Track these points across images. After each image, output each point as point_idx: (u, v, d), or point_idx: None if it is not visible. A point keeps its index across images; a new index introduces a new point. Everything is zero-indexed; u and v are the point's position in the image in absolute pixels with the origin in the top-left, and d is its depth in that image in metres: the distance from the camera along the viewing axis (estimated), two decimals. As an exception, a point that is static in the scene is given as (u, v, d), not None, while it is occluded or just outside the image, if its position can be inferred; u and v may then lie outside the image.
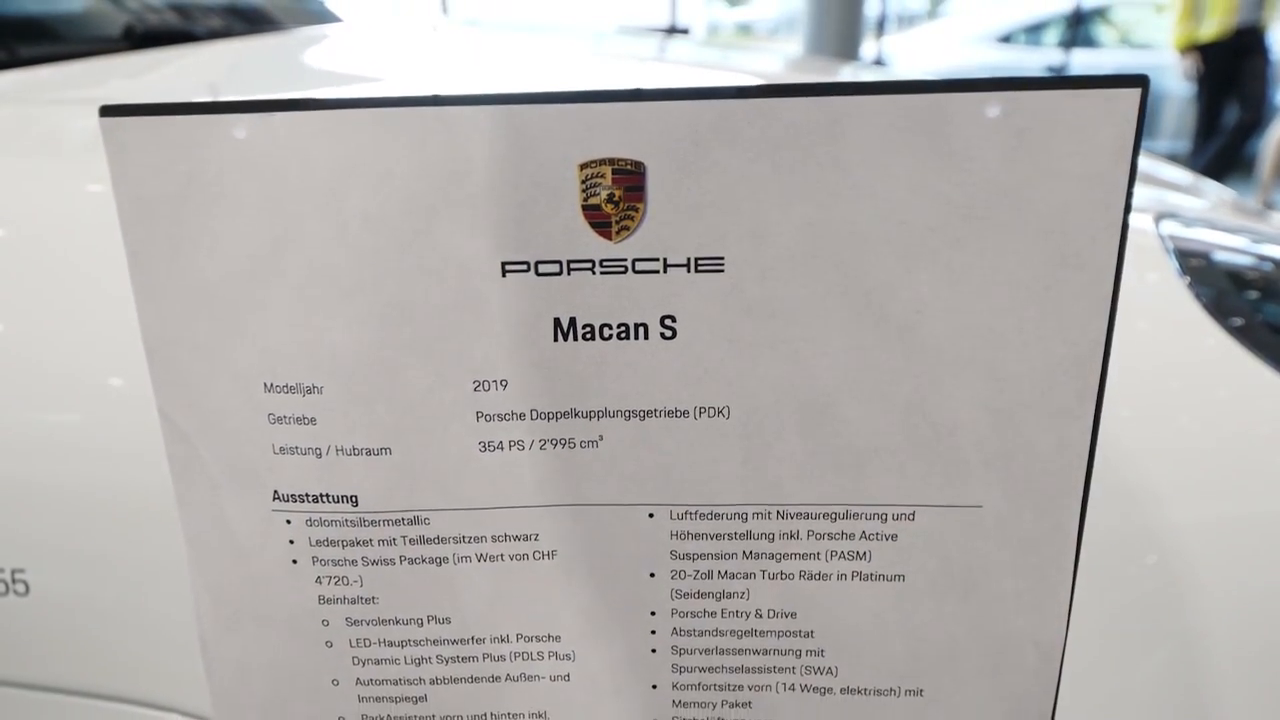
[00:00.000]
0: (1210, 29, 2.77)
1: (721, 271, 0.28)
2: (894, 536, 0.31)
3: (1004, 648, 0.32)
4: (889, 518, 0.31)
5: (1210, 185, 0.97)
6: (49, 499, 0.50)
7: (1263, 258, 0.67)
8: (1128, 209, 0.28)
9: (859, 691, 0.33)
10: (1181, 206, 0.79)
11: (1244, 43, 2.77)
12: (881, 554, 0.31)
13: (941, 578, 0.31)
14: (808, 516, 0.31)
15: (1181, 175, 0.97)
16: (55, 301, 0.50)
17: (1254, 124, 2.80)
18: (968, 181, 0.27)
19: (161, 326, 0.29)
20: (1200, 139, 2.90)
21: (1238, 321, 0.56)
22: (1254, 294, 0.62)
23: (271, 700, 0.33)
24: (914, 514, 0.30)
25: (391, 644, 0.33)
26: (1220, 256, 0.65)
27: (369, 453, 0.30)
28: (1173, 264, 0.61)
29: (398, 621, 0.32)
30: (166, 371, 0.30)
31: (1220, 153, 2.75)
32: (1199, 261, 0.63)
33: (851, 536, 0.31)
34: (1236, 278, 0.63)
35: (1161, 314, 0.57)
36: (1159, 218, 0.67)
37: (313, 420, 0.30)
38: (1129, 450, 0.48)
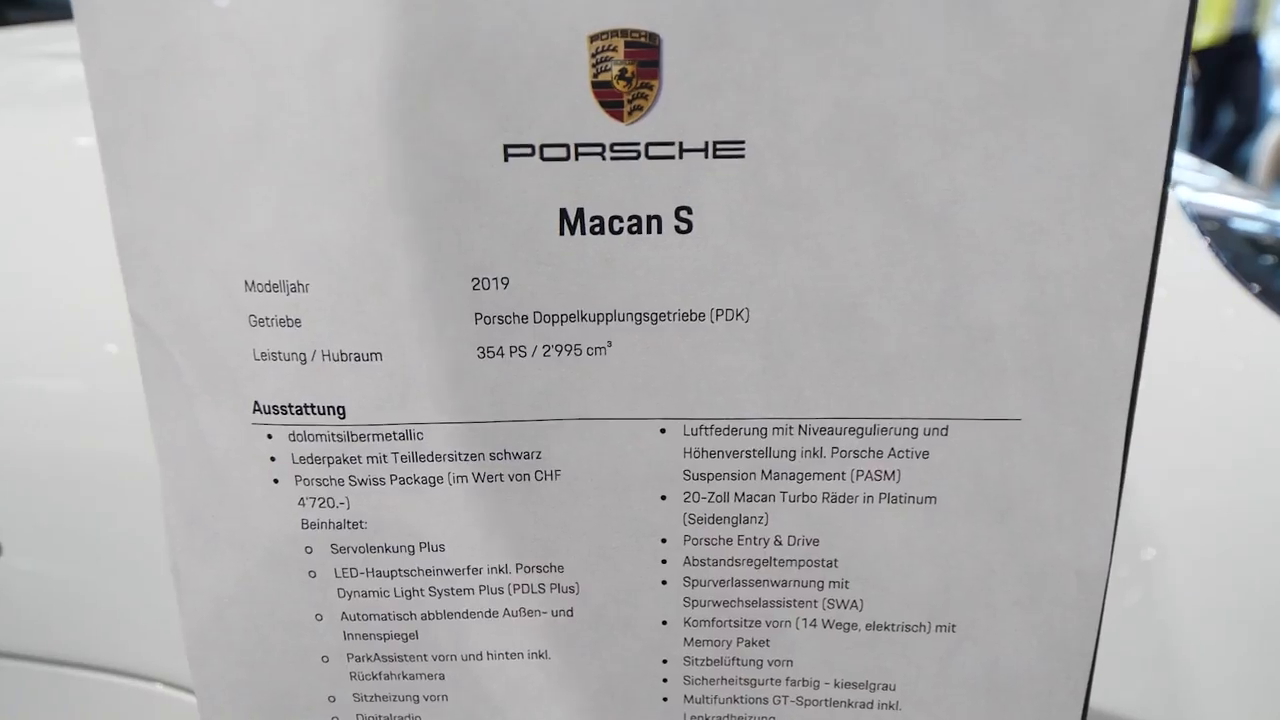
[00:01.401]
0: (1205, 34, 2.79)
1: (741, 157, 0.26)
2: (925, 454, 0.29)
3: (1043, 577, 0.29)
4: (920, 433, 0.28)
5: (1212, 169, 0.96)
6: (24, 465, 0.48)
7: (1277, 224, 0.66)
8: (1180, 90, 0.26)
9: (886, 627, 0.30)
10: (1193, 178, 0.78)
11: (1238, 48, 2.79)
12: (912, 473, 0.29)
13: (976, 499, 0.29)
14: (832, 432, 0.29)
15: (1186, 159, 0.96)
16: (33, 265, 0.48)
17: (1248, 128, 2.82)
18: (1009, 56, 0.25)
19: (134, 219, 0.27)
20: (1196, 142, 2.91)
21: (1256, 286, 0.55)
22: (1271, 258, 0.61)
23: (249, 637, 0.31)
24: (947, 429, 0.28)
25: (380, 574, 0.30)
26: (1237, 222, 0.64)
27: (358, 358, 0.28)
28: (1192, 227, 0.59)
29: (387, 549, 0.30)
30: (140, 268, 0.27)
31: (1215, 157, 2.77)
32: (1215, 225, 0.61)
33: (879, 454, 0.29)
34: (1254, 242, 0.62)
35: (1186, 275, 0.55)
36: (1174, 185, 0.66)
37: (297, 322, 0.27)
38: (1159, 422, 0.46)
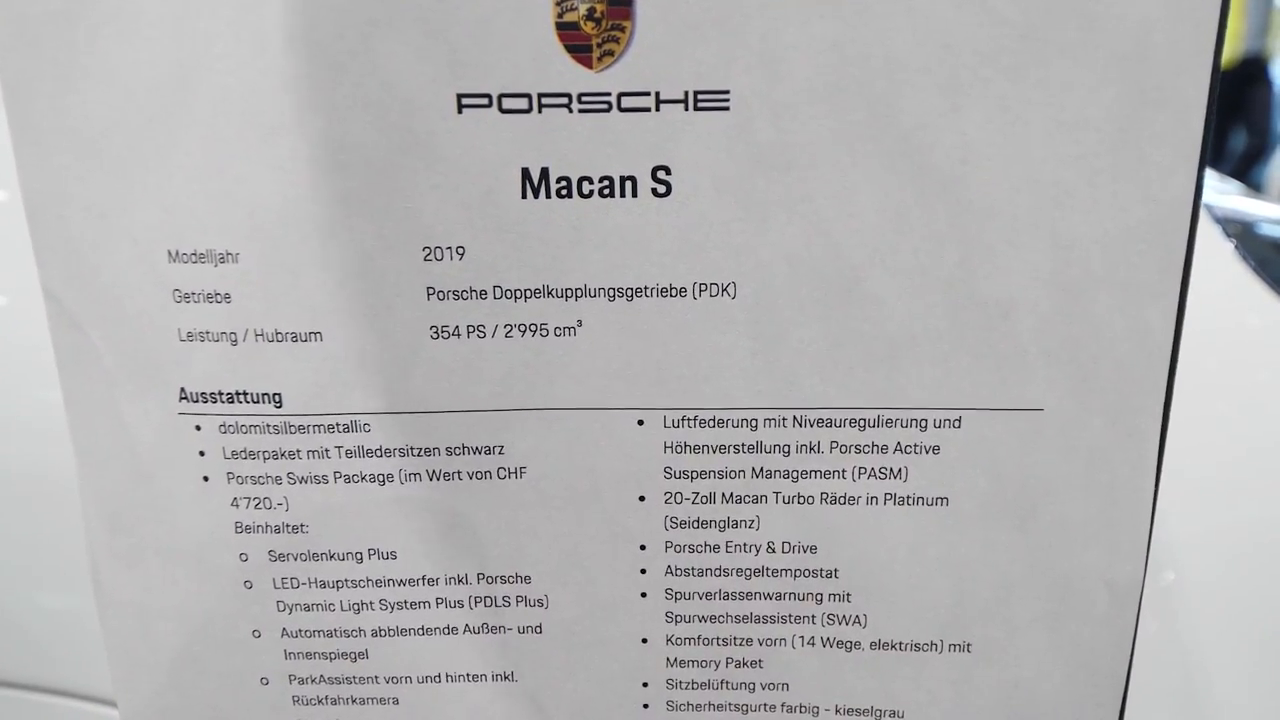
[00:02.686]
0: None
1: (726, 110, 0.23)
2: (935, 449, 0.25)
3: (1069, 589, 0.26)
4: (929, 425, 0.25)
5: (1231, 182, 0.93)
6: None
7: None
8: (1222, 32, 0.23)
9: (893, 646, 0.27)
10: (1215, 185, 0.75)
11: (1249, 71, 2.78)
12: (920, 471, 0.25)
13: (993, 501, 0.25)
14: (830, 425, 0.25)
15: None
16: None
17: (1261, 151, 2.81)
18: (1026, -8, 0.22)
19: (46, 182, 0.24)
20: (1209, 166, 2.91)
21: None
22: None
23: (179, 656, 0.27)
24: (960, 420, 0.25)
25: (325, 585, 0.27)
26: (1264, 228, 0.61)
27: (295, 338, 0.25)
28: (1217, 228, 0.57)
29: (332, 556, 0.27)
30: (52, 239, 0.24)
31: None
32: (1239, 229, 0.58)
33: (884, 449, 0.25)
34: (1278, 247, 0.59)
35: (1212, 279, 0.53)
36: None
37: (226, 297, 0.24)
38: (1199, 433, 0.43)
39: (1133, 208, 0.23)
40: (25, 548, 0.44)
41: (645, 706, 0.28)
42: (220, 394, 0.25)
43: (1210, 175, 0.88)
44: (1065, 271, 0.24)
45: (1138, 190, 0.23)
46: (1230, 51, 2.76)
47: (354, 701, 0.28)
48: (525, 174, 0.24)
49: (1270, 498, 0.44)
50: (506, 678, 0.28)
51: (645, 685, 0.28)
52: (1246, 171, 2.79)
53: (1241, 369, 0.49)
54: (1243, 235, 0.57)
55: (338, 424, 0.25)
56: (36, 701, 0.46)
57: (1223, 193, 0.72)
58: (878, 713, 0.28)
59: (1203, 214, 0.58)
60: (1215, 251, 0.55)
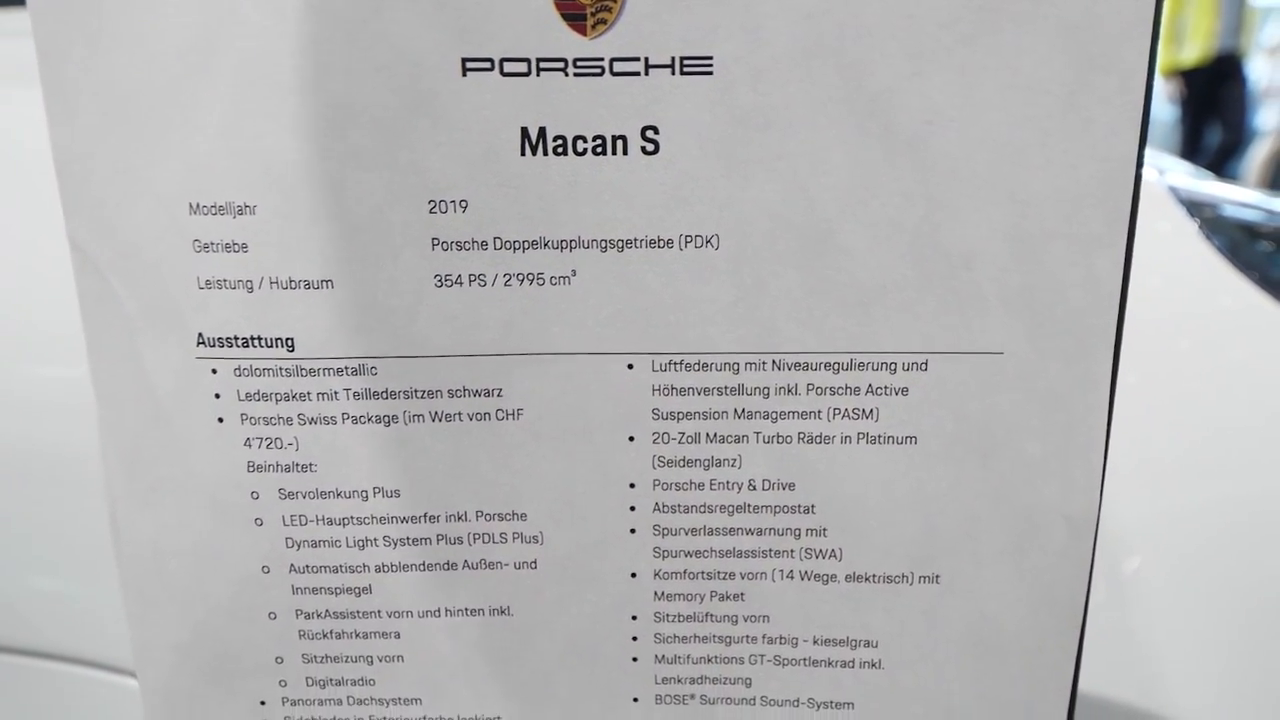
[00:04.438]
0: (1191, 54, 2.84)
1: (710, 74, 0.25)
2: (904, 390, 0.27)
3: (1030, 522, 0.28)
4: (899, 368, 0.27)
5: (1205, 173, 0.96)
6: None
7: (1272, 212, 0.65)
8: (1160, 3, 0.25)
9: (866, 578, 0.29)
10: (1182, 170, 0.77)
11: (1224, 69, 2.84)
12: (891, 411, 0.27)
13: (958, 439, 0.27)
14: (807, 368, 0.27)
15: (1178, 163, 0.96)
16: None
17: (1235, 146, 2.87)
18: (985, -34, 0.24)
19: (75, 141, 0.26)
20: (1184, 160, 2.96)
21: (1254, 274, 0.53)
22: (1267, 245, 0.60)
23: (191, 593, 0.29)
24: (926, 363, 0.27)
25: (332, 522, 0.28)
26: (1230, 210, 0.63)
27: (308, 285, 0.26)
28: (1183, 212, 0.58)
29: (339, 494, 0.28)
30: (79, 193, 0.26)
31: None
32: (1209, 213, 0.60)
33: (857, 391, 0.27)
34: (1249, 230, 0.61)
35: (1178, 261, 0.54)
36: (1161, 170, 0.65)
37: (244, 247, 0.26)
38: (1163, 408, 0.45)
39: (1082, 165, 0.25)
40: (21, 524, 0.45)
41: (634, 639, 0.30)
42: (236, 339, 0.27)
43: (1184, 166, 0.91)
44: (1021, 224, 0.26)
45: (1086, 149, 0.25)
46: (1205, 49, 2.81)
47: (357, 635, 0.30)
48: (524, 133, 0.25)
49: (1239, 477, 0.46)
50: (502, 612, 0.30)
51: (634, 618, 0.30)
52: (1221, 167, 2.84)
53: (1208, 351, 0.51)
54: (1211, 219, 0.59)
55: (346, 367, 0.27)
56: (39, 668, 0.48)
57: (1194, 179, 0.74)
58: (853, 643, 0.29)
59: (1169, 196, 0.60)
60: (1180, 233, 0.57)
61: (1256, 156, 2.73)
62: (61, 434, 0.44)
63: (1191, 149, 2.94)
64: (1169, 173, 0.65)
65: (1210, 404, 0.47)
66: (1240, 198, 0.67)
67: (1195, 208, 0.59)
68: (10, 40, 0.65)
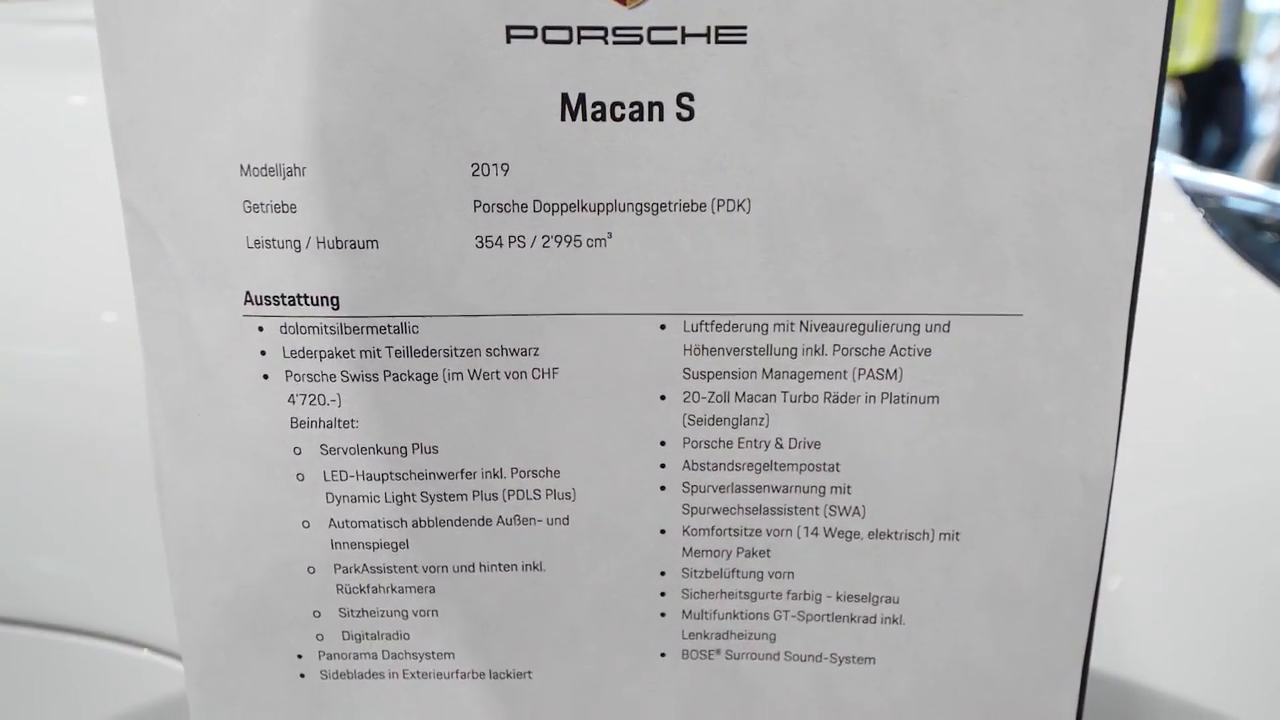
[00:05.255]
0: (1190, 59, 2.86)
1: (744, 43, 0.26)
2: (927, 351, 0.28)
3: (1047, 481, 0.29)
4: (922, 329, 0.28)
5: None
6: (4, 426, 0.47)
7: (1276, 205, 0.66)
8: (1178, -24, 0.26)
9: (889, 535, 0.30)
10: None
11: (1222, 73, 2.87)
12: (914, 371, 0.28)
13: (979, 399, 0.28)
14: (833, 329, 0.28)
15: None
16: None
17: (1234, 150, 2.90)
18: (1009, -60, 0.25)
19: (131, 104, 0.27)
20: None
21: (1259, 264, 0.54)
22: (1272, 236, 0.61)
23: (233, 547, 0.30)
24: (949, 325, 0.28)
25: (371, 478, 0.29)
26: (1234, 202, 0.64)
27: (353, 245, 0.27)
28: (1187, 202, 0.59)
29: (379, 450, 0.29)
30: (133, 155, 0.27)
31: (1202, 179, 2.83)
32: (1214, 203, 0.61)
33: (881, 352, 0.28)
34: (1254, 221, 0.62)
35: (1184, 250, 0.55)
36: (1165, 161, 0.66)
37: (292, 207, 0.27)
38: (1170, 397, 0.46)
39: (1100, 133, 0.26)
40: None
41: (662, 595, 0.31)
42: (283, 297, 0.28)
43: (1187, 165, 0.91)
44: (1041, 190, 0.27)
45: (1104, 117, 0.26)
46: (1204, 54, 2.84)
47: (393, 590, 0.31)
48: (564, 99, 0.26)
49: (1243, 467, 0.47)
50: (535, 567, 0.30)
51: (662, 574, 0.31)
52: (1221, 170, 2.86)
53: (1213, 340, 0.51)
54: (1215, 209, 0.59)
55: (389, 325, 0.28)
56: (53, 641, 0.48)
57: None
58: (875, 599, 0.30)
59: (1174, 187, 0.61)
60: (1185, 223, 0.57)
61: (1255, 160, 2.76)
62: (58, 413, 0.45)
63: (1190, 153, 2.97)
64: (1174, 165, 0.67)
65: (1216, 393, 0.48)
66: (1245, 189, 0.68)
67: (1200, 198, 0.61)
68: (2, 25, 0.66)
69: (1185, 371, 0.49)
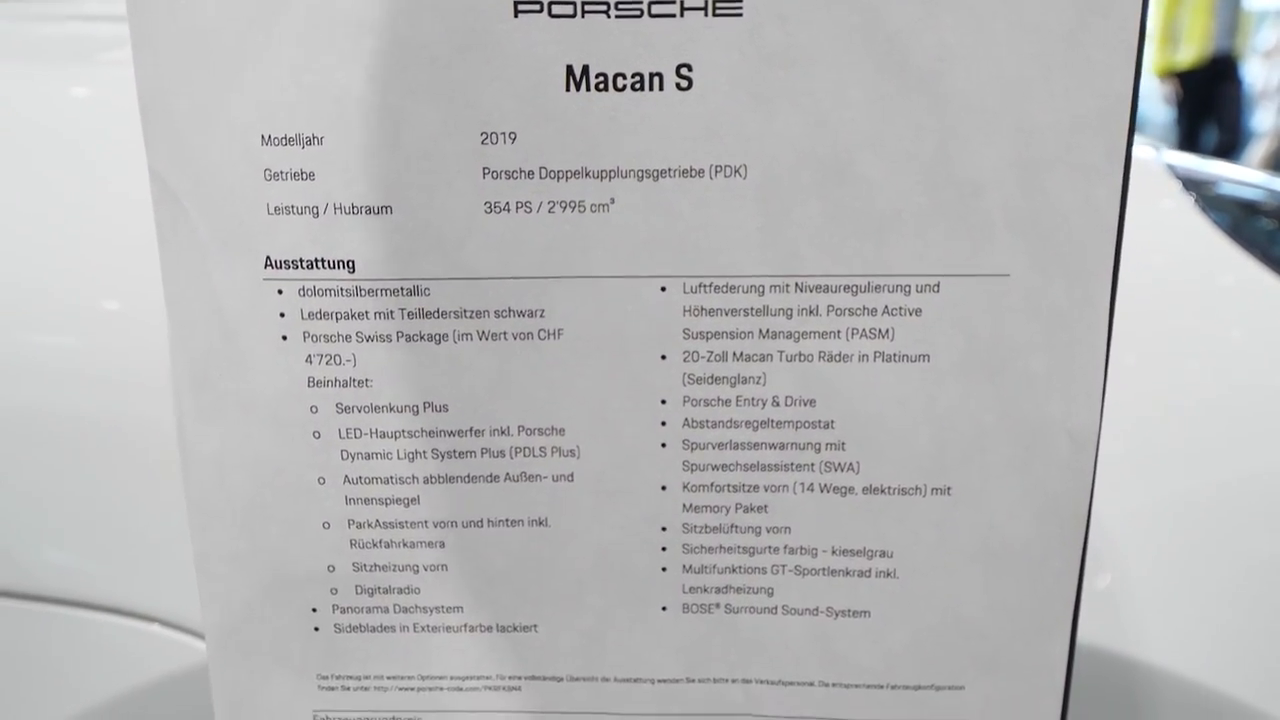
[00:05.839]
0: (1187, 56, 2.88)
1: (740, 15, 0.27)
2: (918, 311, 0.29)
3: (1035, 437, 0.30)
4: (912, 290, 0.29)
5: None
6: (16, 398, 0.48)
7: (1271, 191, 0.67)
8: (1154, -50, 0.27)
9: (882, 490, 0.31)
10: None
11: (1219, 70, 2.89)
12: (905, 331, 0.30)
13: (968, 357, 0.30)
14: (827, 290, 0.29)
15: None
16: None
17: (1231, 147, 2.91)
18: (992, -86, 0.26)
19: (158, 79, 0.28)
20: (1180, 160, 3.01)
21: (1255, 250, 0.54)
22: (1268, 223, 0.62)
23: (251, 502, 0.31)
24: (938, 285, 0.29)
25: (384, 435, 0.31)
26: (1228, 188, 0.65)
27: (369, 211, 0.29)
28: (1179, 188, 0.60)
29: (392, 409, 0.30)
30: (160, 127, 0.28)
31: (1200, 176, 2.84)
32: (1208, 190, 0.62)
33: (873, 312, 0.29)
34: (1248, 207, 0.63)
35: (1176, 235, 0.56)
36: (1158, 149, 0.67)
37: (311, 175, 0.28)
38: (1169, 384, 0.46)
39: (1083, 100, 0.28)
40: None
41: (663, 549, 0.32)
42: (301, 261, 0.29)
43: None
44: (1027, 154, 0.28)
45: (1086, 85, 0.27)
46: (1200, 51, 2.85)
47: (405, 545, 0.32)
48: (569, 70, 0.28)
49: (1239, 455, 0.47)
50: (541, 523, 0.32)
51: (663, 530, 0.32)
52: (1218, 169, 2.88)
53: (1210, 326, 0.52)
54: (1210, 196, 0.60)
55: (402, 288, 0.29)
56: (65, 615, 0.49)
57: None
58: (869, 553, 0.32)
59: (1167, 173, 0.62)
60: (1179, 209, 0.58)
61: (1252, 158, 2.77)
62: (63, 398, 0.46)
63: (1188, 150, 2.99)
64: (1166, 152, 0.68)
65: (1212, 379, 0.49)
66: (1239, 176, 0.68)
67: (1193, 185, 0.61)
68: None
69: (1181, 358, 0.49)
